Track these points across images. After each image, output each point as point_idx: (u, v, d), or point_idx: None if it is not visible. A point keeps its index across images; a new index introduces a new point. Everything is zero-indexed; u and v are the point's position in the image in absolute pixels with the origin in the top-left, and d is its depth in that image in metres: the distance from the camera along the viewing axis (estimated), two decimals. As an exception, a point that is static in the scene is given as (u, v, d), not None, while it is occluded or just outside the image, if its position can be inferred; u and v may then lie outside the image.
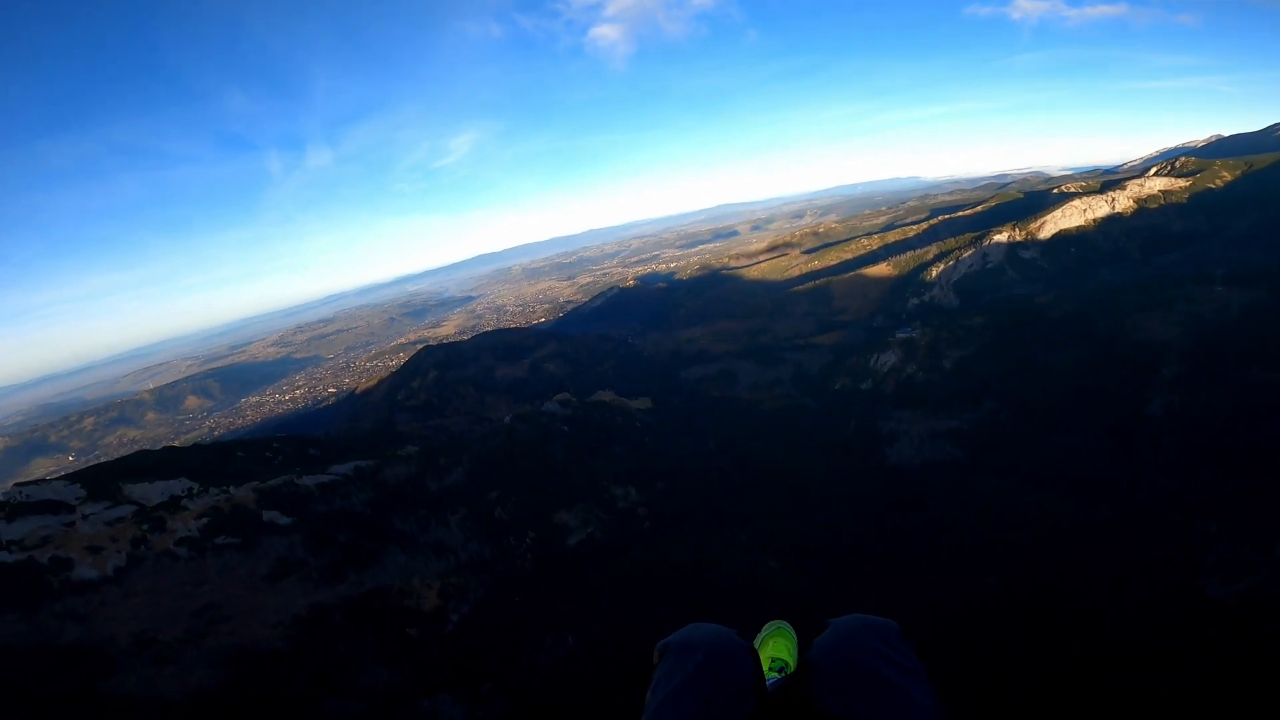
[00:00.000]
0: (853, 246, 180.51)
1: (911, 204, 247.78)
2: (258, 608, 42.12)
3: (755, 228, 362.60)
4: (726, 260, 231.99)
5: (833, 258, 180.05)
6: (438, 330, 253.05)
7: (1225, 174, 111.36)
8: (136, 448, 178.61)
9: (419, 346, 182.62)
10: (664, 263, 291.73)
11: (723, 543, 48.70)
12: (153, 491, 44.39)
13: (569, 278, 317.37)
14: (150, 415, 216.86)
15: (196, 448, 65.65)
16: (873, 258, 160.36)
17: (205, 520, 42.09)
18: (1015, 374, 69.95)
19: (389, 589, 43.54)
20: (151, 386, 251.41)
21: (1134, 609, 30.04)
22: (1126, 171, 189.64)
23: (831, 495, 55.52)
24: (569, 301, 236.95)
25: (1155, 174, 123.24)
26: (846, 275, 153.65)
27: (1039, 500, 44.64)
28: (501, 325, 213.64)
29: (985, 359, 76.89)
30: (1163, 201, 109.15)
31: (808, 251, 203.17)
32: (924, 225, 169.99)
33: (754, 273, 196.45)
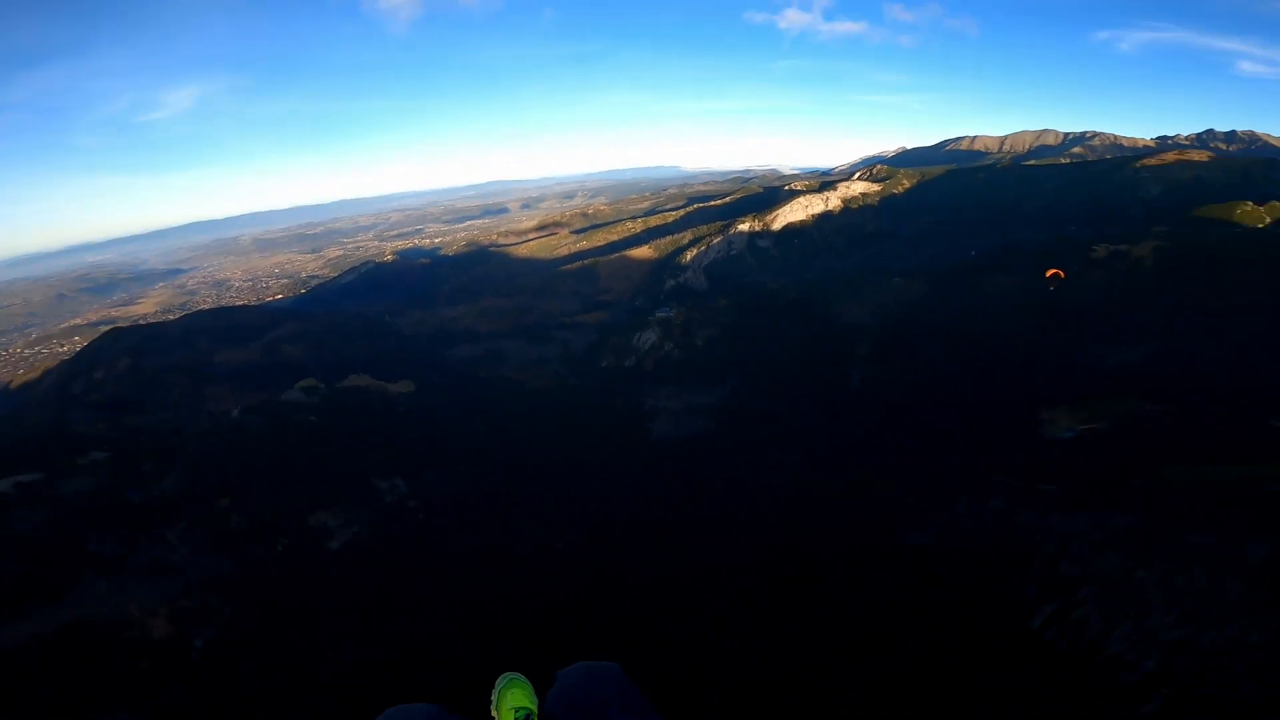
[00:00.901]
0: (619, 229, 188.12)
1: (672, 191, 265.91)
2: None
3: (526, 206, 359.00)
4: (495, 237, 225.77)
5: (600, 239, 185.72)
6: (131, 309, 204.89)
7: (906, 181, 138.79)
8: None
9: (102, 329, 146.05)
10: (428, 238, 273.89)
11: (506, 529, 47.26)
12: None
13: (315, 250, 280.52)
14: None
15: None
16: (636, 240, 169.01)
17: None
18: (754, 352, 79.29)
19: (95, 621, 34.12)
20: None
21: (851, 558, 35.65)
22: (837, 174, 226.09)
23: (606, 472, 57.26)
24: (314, 276, 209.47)
25: (858, 178, 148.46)
26: (612, 256, 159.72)
27: (777, 466, 51.12)
28: (224, 302, 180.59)
29: (730, 338, 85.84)
30: (862, 203, 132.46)
31: (577, 232, 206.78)
32: (682, 212, 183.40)
33: (523, 251, 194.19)
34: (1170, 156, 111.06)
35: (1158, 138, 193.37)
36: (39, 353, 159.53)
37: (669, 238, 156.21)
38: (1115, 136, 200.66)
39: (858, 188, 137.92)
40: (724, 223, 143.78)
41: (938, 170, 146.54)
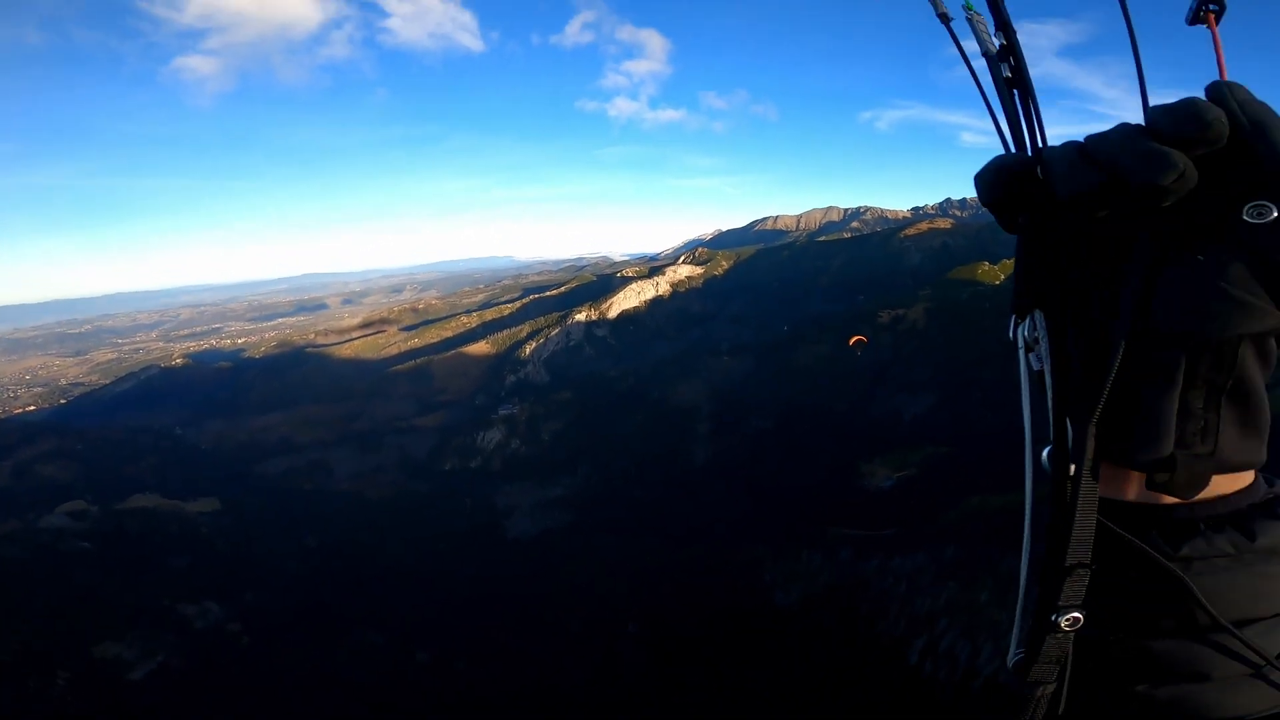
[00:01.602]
0: (453, 324, 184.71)
1: (507, 283, 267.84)
2: None
3: (348, 301, 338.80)
4: (313, 336, 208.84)
5: (433, 335, 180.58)
6: None
7: (724, 263, 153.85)
8: None
9: None
10: (229, 338, 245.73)
11: (352, 646, 42.14)
12: None
13: (78, 353, 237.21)
14: None
15: None
16: (472, 336, 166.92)
17: None
18: (601, 441, 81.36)
19: None
20: None
21: (730, 628, 37.30)
22: (664, 259, 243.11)
23: (462, 576, 54.09)
24: (79, 384, 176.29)
25: (683, 262, 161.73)
26: (447, 354, 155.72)
27: (640, 549, 52.24)
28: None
29: (576, 429, 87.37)
30: (688, 286, 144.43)
31: (407, 329, 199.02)
32: (518, 304, 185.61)
33: (346, 351, 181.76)
34: (924, 226, 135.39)
35: (913, 208, 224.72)
36: None
37: (506, 331, 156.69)
38: (882, 210, 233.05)
39: (683, 271, 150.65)
40: (561, 313, 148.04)
41: (750, 250, 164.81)
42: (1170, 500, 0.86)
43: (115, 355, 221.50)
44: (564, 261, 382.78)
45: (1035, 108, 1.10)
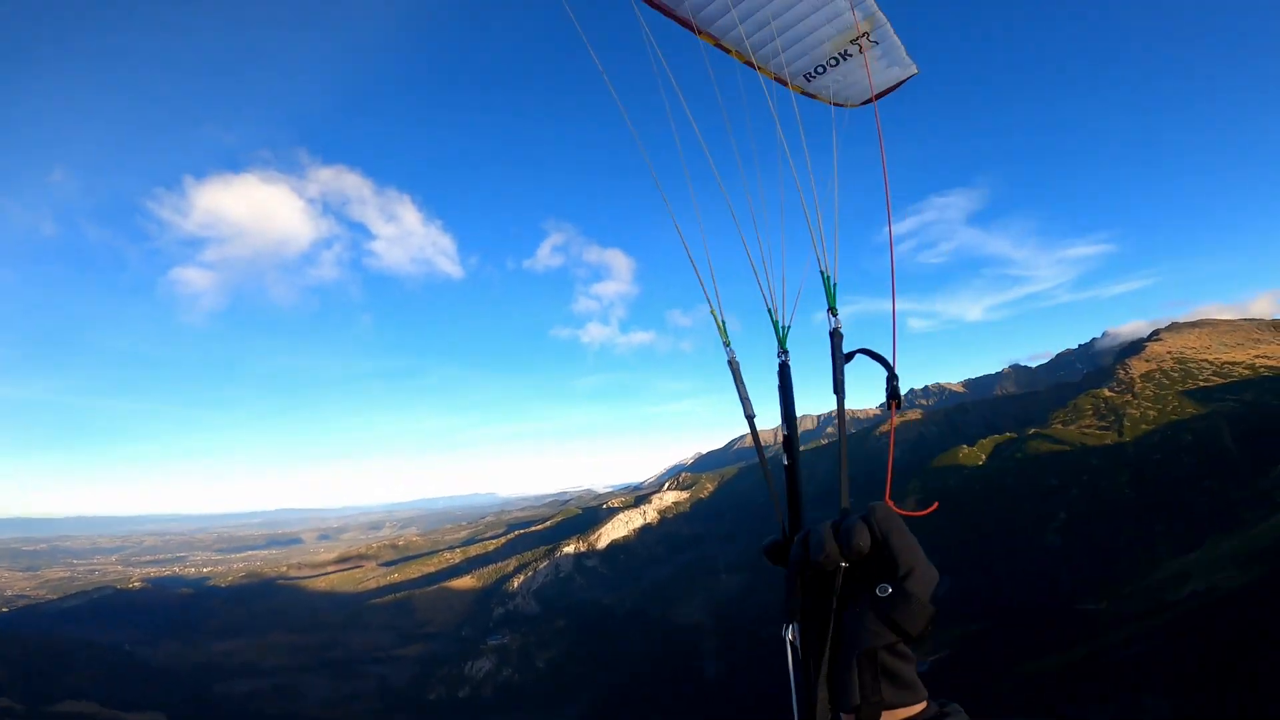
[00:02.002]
0: (435, 560, 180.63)
1: (490, 519, 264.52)
2: None
3: (324, 536, 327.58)
4: (285, 569, 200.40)
5: (414, 571, 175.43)
6: None
7: (709, 485, 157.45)
8: None
9: None
10: (192, 566, 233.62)
11: None
12: None
13: (28, 569, 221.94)
14: None
15: None
16: (456, 571, 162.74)
17: None
18: (602, 666, 78.43)
19: None
20: None
21: None
22: (649, 487, 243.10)
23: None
24: (22, 596, 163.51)
25: (668, 489, 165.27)
26: (429, 589, 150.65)
27: None
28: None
29: (575, 656, 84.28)
30: (675, 511, 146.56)
31: (386, 564, 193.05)
32: (503, 539, 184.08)
33: (321, 584, 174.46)
34: (896, 420, 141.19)
35: (880, 405, 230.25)
36: None
37: (492, 566, 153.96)
38: (852, 410, 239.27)
39: (669, 498, 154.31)
40: (548, 546, 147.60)
41: (733, 470, 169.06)
42: None
43: (69, 574, 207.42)
44: (547, 496, 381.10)
45: (799, 484, 1.94)
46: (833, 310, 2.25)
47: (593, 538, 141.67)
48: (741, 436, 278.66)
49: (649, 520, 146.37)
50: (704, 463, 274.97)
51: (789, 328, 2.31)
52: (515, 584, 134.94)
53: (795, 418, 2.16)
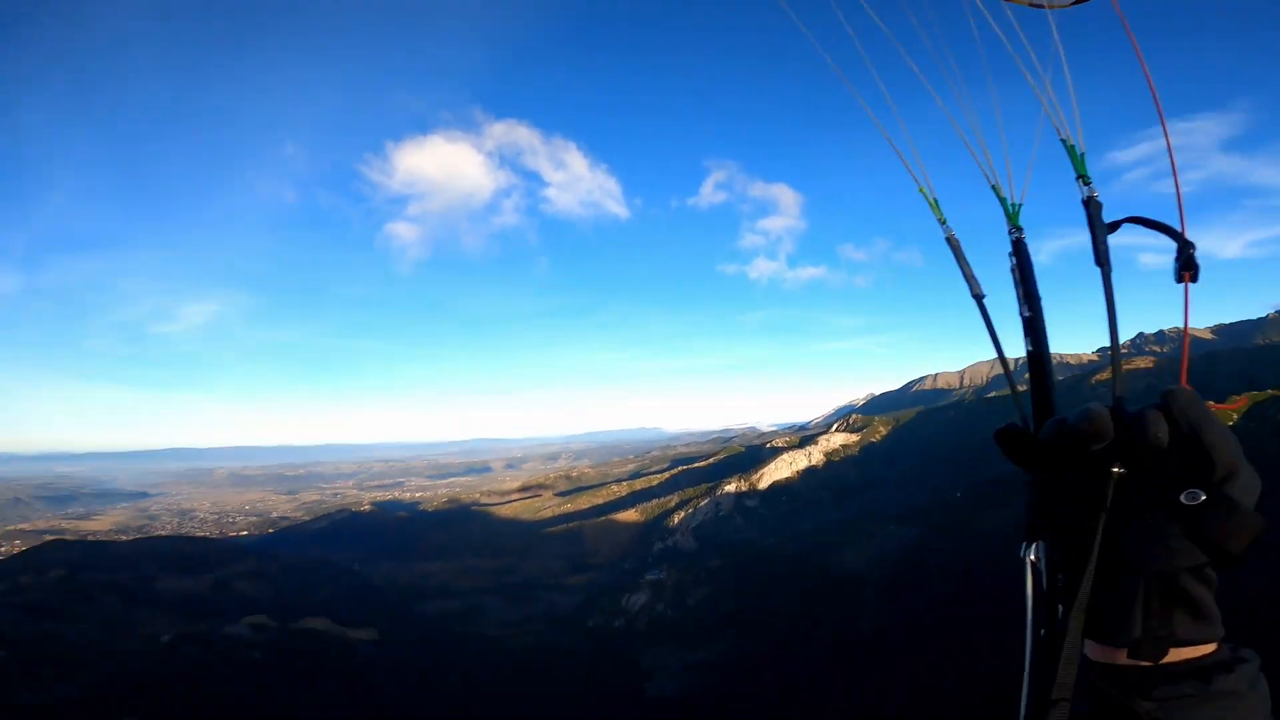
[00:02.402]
0: (604, 492, 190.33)
1: (655, 454, 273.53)
2: None
3: (510, 466, 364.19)
4: (478, 496, 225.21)
5: (584, 502, 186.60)
6: (84, 524, 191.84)
7: (882, 429, 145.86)
8: None
9: (47, 538, 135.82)
10: (409, 491, 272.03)
11: None
12: None
13: (290, 492, 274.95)
14: None
15: None
16: (622, 504, 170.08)
17: None
18: (751, 608, 76.05)
19: None
20: None
21: None
22: (815, 428, 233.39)
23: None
24: (285, 518, 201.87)
25: (836, 430, 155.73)
26: (598, 520, 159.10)
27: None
28: (186, 532, 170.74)
29: (725, 596, 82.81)
30: (843, 454, 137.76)
31: (561, 494, 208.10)
32: (666, 475, 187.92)
33: (506, 511, 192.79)
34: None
35: (1099, 350, 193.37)
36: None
37: (655, 501, 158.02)
38: (1061, 355, 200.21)
39: (837, 440, 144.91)
40: (710, 484, 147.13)
41: (910, 414, 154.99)
42: (1145, 663, 1.23)
43: (318, 497, 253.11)
44: (711, 433, 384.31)
45: (1049, 372, 1.69)
46: (1083, 178, 2.00)
47: (754, 477, 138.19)
48: (920, 379, 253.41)
49: (814, 462, 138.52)
50: (876, 404, 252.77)
51: (1020, 205, 2.07)
52: (675, 520, 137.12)
53: (1039, 297, 1.89)
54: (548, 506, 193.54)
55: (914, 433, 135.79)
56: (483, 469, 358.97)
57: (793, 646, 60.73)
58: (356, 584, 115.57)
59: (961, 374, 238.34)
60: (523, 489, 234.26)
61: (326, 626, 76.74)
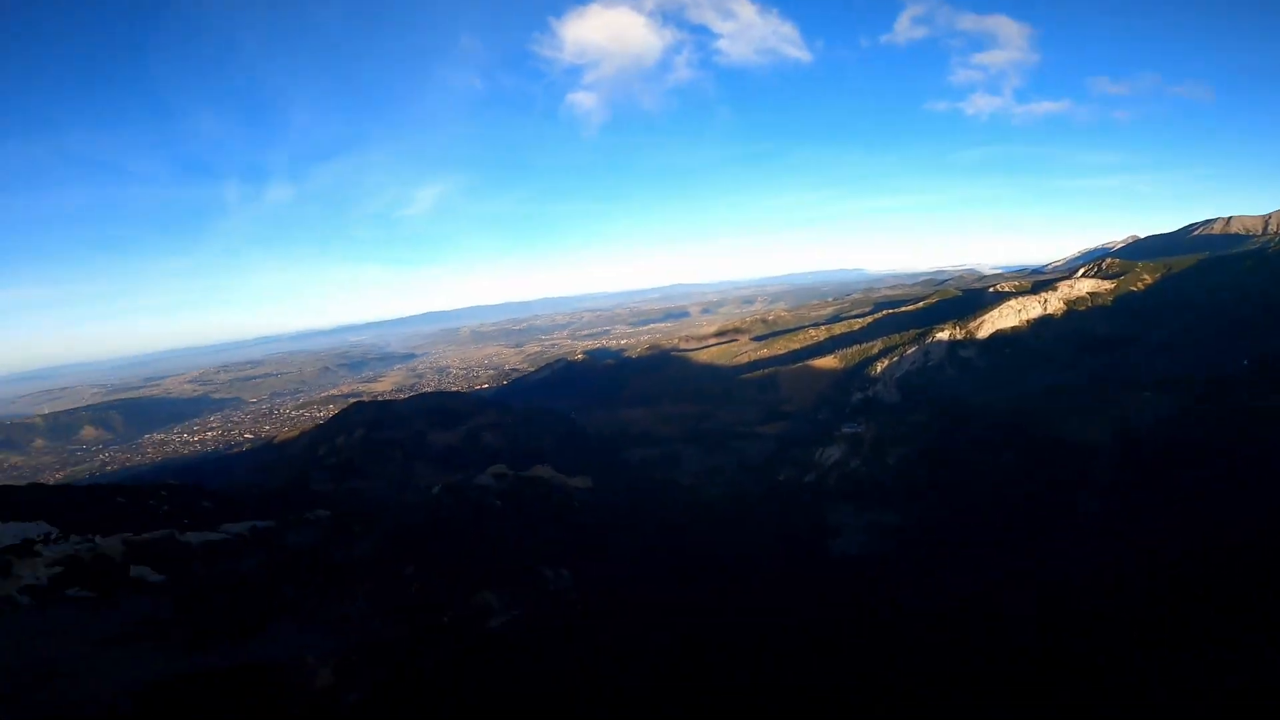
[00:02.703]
0: (800, 337, 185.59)
1: (856, 297, 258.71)
2: (105, 668, 35.82)
3: (706, 310, 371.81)
4: (677, 342, 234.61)
5: (780, 347, 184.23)
6: (374, 385, 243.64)
7: (1146, 276, 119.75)
8: (16, 475, 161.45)
9: (351, 400, 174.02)
10: (614, 339, 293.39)
11: (663, 630, 44.93)
12: (4, 533, 38.33)
13: (517, 345, 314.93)
14: (39, 442, 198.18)
15: (67, 488, 58.34)
16: (819, 349, 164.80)
17: (59, 569, 36.06)
18: (954, 473, 70.31)
19: (273, 663, 37.71)
20: (46, 411, 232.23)
21: None
22: (1054, 272, 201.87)
23: (777, 588, 52.82)
24: (515, 370, 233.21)
25: (1083, 275, 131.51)
26: (794, 366, 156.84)
27: (982, 590, 43.35)
28: (442, 387, 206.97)
29: (926, 457, 77.41)
30: (1090, 304, 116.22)
31: (756, 339, 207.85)
32: (868, 319, 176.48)
33: (703, 357, 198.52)
34: None
35: None
36: (301, 415, 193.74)
37: (856, 347, 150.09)
38: None
39: (1084, 286, 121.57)
40: (918, 330, 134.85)
41: (1187, 261, 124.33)
42: None
43: (540, 348, 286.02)
44: (920, 275, 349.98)
45: None
46: None
47: (973, 325, 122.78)
48: (1207, 221, 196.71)
49: (1050, 310, 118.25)
50: (1141, 248, 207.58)
51: None
52: (878, 368, 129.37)
53: None
54: (744, 352, 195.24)
55: (1191, 284, 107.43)
56: (680, 314, 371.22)
57: (996, 521, 55.38)
58: (573, 432, 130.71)
59: (1267, 219, 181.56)
60: (719, 333, 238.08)
61: (550, 475, 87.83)
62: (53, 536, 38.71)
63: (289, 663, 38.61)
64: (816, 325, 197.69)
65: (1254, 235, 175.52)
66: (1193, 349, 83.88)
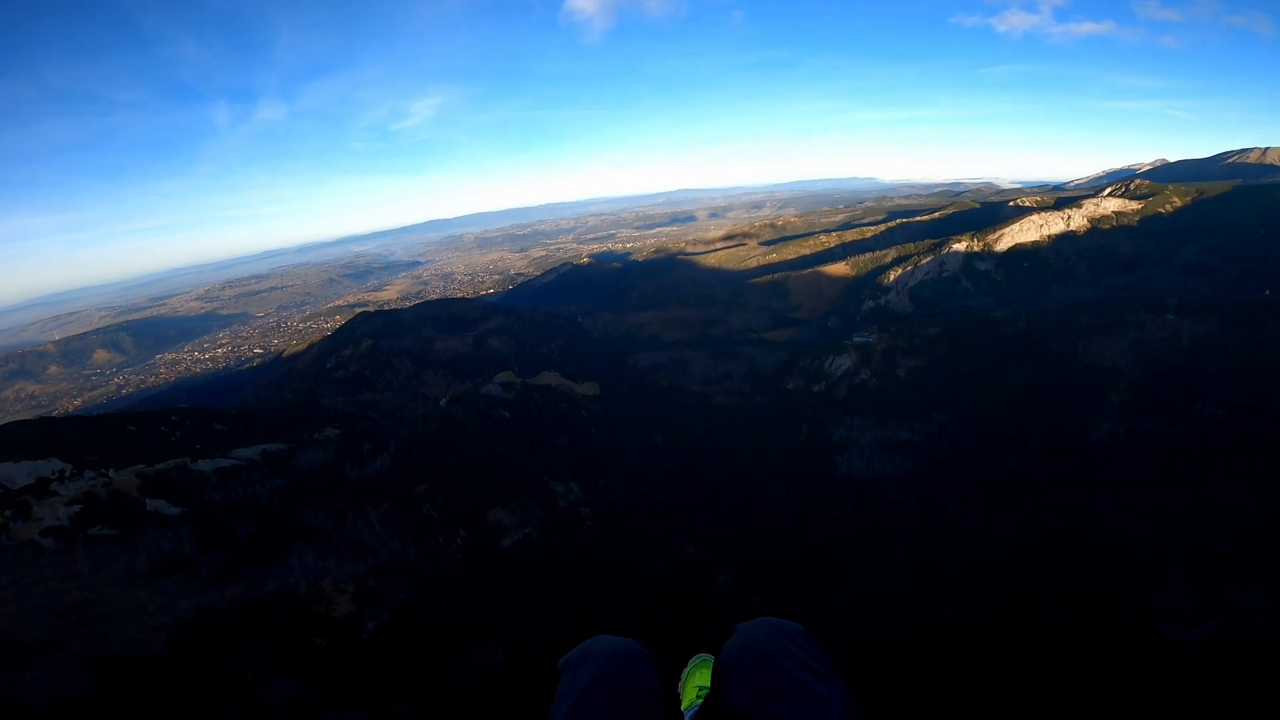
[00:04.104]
0: (810, 243, 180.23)
1: (869, 205, 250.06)
2: (135, 609, 36.88)
3: (714, 215, 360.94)
4: (684, 245, 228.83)
5: (790, 252, 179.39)
6: (379, 294, 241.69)
7: (1176, 199, 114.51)
8: (34, 404, 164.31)
9: (357, 310, 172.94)
10: (620, 242, 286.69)
11: (670, 555, 45.95)
12: (18, 473, 38.17)
13: (522, 250, 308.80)
14: (53, 369, 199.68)
15: (78, 420, 58.38)
16: (830, 255, 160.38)
17: (78, 508, 36.34)
18: (967, 389, 69.82)
19: (294, 592, 38.80)
20: (58, 337, 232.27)
21: (1097, 658, 28.95)
22: (1076, 189, 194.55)
23: (783, 504, 53.62)
24: (520, 274, 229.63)
25: (1110, 194, 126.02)
26: (804, 271, 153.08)
27: (992, 525, 43.76)
28: (448, 294, 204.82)
29: (938, 371, 76.67)
30: (1115, 223, 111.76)
31: (765, 243, 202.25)
32: (881, 227, 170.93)
33: (711, 260, 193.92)
34: None
35: None
36: (309, 327, 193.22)
37: (868, 255, 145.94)
38: None
39: (1110, 205, 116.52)
40: (934, 241, 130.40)
41: (1222, 186, 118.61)
42: None
43: (544, 253, 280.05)
44: (935, 186, 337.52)
45: None
46: None
47: (991, 237, 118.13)
48: (1241, 151, 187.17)
49: (1073, 227, 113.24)
50: (1171, 171, 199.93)
51: None
52: (891, 277, 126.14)
53: None
54: (752, 256, 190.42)
55: (1222, 210, 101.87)
56: (687, 218, 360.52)
57: (1007, 442, 55.36)
58: (580, 336, 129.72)
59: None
60: (727, 237, 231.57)
61: (558, 382, 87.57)
62: (67, 474, 38.75)
63: (310, 590, 39.72)
64: (828, 232, 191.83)
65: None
66: (1218, 274, 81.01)
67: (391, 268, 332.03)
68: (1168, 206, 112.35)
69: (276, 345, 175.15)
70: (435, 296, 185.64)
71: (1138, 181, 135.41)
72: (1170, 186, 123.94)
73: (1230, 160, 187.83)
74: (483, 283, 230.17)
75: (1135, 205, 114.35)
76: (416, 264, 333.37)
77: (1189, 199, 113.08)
